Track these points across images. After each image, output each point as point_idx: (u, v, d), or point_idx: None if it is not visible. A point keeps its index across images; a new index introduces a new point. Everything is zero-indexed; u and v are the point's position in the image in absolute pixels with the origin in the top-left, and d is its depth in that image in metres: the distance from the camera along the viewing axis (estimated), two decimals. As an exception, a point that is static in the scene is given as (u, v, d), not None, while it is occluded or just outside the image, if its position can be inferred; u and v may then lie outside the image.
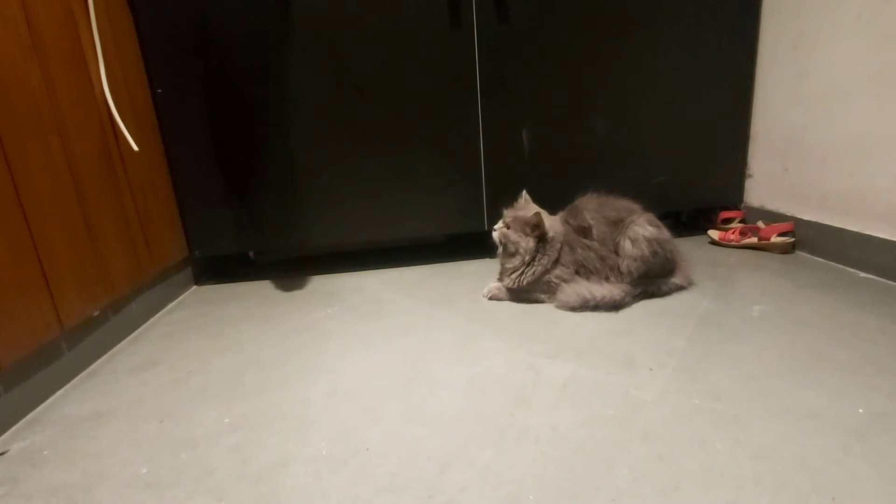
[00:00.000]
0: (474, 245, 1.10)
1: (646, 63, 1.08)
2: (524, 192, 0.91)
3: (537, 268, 0.83)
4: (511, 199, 0.91)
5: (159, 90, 0.93)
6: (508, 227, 0.86)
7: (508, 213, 0.88)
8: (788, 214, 1.07)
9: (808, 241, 1.01)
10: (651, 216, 0.86)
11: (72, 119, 0.71)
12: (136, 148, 0.80)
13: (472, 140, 1.06)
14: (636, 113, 1.10)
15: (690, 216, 1.28)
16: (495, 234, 0.88)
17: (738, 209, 1.20)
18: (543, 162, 1.09)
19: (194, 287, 1.05)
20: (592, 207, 0.87)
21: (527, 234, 0.83)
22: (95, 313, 0.72)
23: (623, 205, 0.87)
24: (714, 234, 1.15)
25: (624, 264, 0.81)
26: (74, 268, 0.68)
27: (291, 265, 1.16)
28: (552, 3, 1.00)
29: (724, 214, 1.20)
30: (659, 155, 1.13)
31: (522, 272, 0.84)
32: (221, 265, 1.15)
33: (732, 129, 1.16)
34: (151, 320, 0.88)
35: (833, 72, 0.93)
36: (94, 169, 0.75)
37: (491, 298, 0.88)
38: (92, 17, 0.76)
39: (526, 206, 0.88)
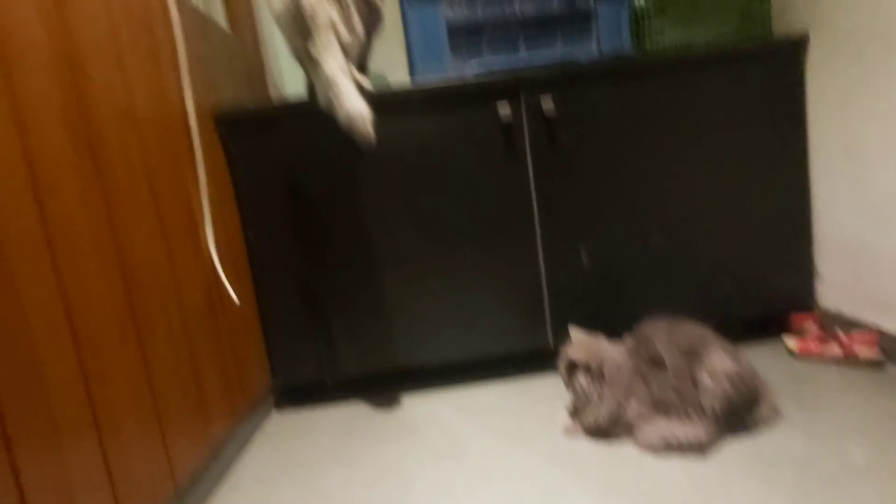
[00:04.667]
0: (541, 358, 1.11)
1: (697, 172, 1.11)
2: (572, 327, 0.92)
3: (602, 407, 0.82)
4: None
5: (251, 235, 1.04)
6: (564, 368, 0.87)
7: (563, 352, 0.89)
8: (869, 322, 1.02)
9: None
10: (726, 344, 0.85)
11: (186, 282, 0.80)
12: (237, 302, 0.89)
13: (531, 258, 1.10)
14: (693, 221, 1.12)
15: (762, 319, 1.25)
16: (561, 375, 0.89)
17: (811, 311, 1.17)
18: (603, 276, 1.11)
19: (274, 412, 1.11)
20: (662, 335, 0.87)
21: (574, 374, 0.84)
22: (202, 464, 0.78)
23: (694, 331, 0.87)
24: (791, 343, 1.10)
25: (705, 402, 0.79)
26: (185, 419, 0.75)
27: (364, 383, 1.21)
28: (600, 125, 1.07)
29: (798, 319, 1.16)
30: (721, 261, 1.13)
31: (588, 411, 0.83)
32: (299, 387, 1.21)
33: (794, 230, 1.15)
34: (242, 459, 0.92)
35: (893, 182, 0.93)
36: (202, 323, 0.83)
37: (568, 435, 0.87)
38: (202, 188, 0.88)
39: (573, 344, 0.89)
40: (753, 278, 1.15)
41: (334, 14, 0.89)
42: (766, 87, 1.09)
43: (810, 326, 1.13)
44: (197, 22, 0.97)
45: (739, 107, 1.09)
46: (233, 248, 0.99)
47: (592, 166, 1.09)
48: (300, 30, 0.87)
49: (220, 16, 1.18)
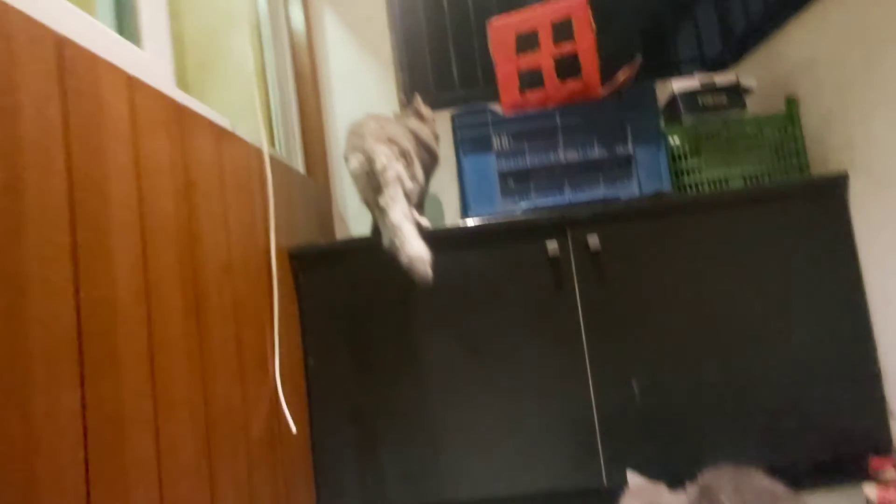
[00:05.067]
0: (594, 498, 1.06)
1: (748, 306, 1.11)
2: (630, 472, 0.89)
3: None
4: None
5: (311, 361, 1.10)
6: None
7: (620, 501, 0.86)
8: (964, 476, 0.93)
9: None
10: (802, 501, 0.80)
11: (254, 415, 0.85)
12: (294, 431, 0.93)
13: (582, 390, 1.10)
14: (750, 357, 1.10)
15: (836, 462, 1.16)
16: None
17: (889, 454, 1.07)
18: (657, 411, 1.08)
19: (318, 543, 1.08)
20: (728, 488, 0.83)
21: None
22: None
23: (764, 485, 0.82)
24: (871, 491, 1.01)
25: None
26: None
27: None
28: (645, 260, 1.11)
29: (877, 462, 1.07)
30: (785, 398, 1.09)
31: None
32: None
33: (859, 365, 1.10)
34: None
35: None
36: (262, 452, 0.87)
37: None
38: (276, 322, 0.96)
39: (631, 491, 0.86)
40: (822, 417, 1.09)
41: (401, 169, 1.02)
42: (811, 221, 1.12)
43: (891, 472, 1.03)
44: (284, 174, 1.13)
45: (785, 241, 1.12)
46: (294, 374, 1.05)
47: (641, 299, 1.12)
48: (372, 184, 1.00)
49: (298, 159, 1.36)
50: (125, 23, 0.73)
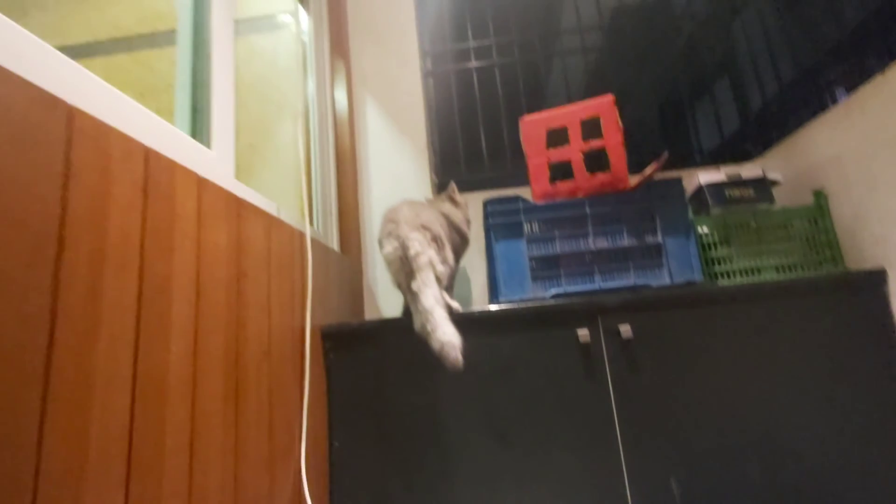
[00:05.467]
0: None
1: (789, 397, 1.06)
2: None
3: None
4: None
5: (336, 443, 1.08)
6: None
7: None
8: None
9: None
10: None
11: (279, 501, 0.83)
12: (317, 523, 0.89)
13: (618, 489, 1.04)
14: (795, 455, 1.03)
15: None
16: None
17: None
18: (699, 517, 1.01)
19: None
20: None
21: None
22: None
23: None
24: None
25: None
26: None
27: None
28: (679, 350, 1.09)
29: None
30: (829, 500, 1.01)
31: None
32: None
33: (920, 476, 1.02)
34: None
35: None
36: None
37: None
38: (305, 405, 0.96)
39: None
40: (882, 534, 1.00)
41: (433, 255, 1.05)
42: (851, 316, 1.09)
43: None
44: (321, 253, 1.17)
45: (824, 335, 1.09)
46: (318, 456, 1.03)
47: (677, 391, 1.08)
48: (405, 269, 1.03)
49: (334, 236, 1.42)
50: (198, 125, 0.81)
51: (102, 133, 0.51)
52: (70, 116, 0.47)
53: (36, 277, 0.42)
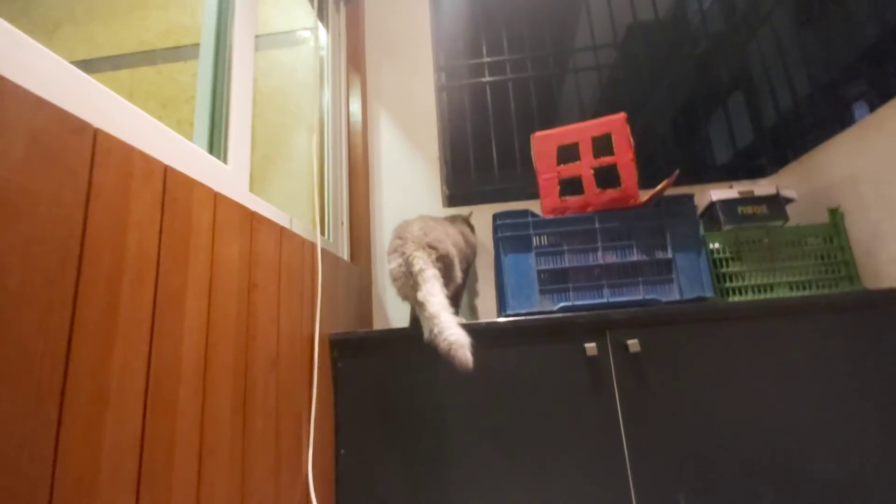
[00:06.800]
0: None
1: (801, 416, 1.04)
2: None
3: None
4: None
5: (342, 451, 1.09)
6: None
7: None
8: None
9: None
10: None
11: (282, 514, 0.84)
12: (321, 532, 0.90)
13: (624, 502, 1.03)
14: (802, 473, 1.01)
15: None
16: None
17: None
18: (707, 539, 1.00)
19: None
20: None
21: None
22: None
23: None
24: None
25: None
26: None
27: None
28: (688, 366, 1.08)
29: None
30: (850, 538, 0.98)
31: None
32: None
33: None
34: None
35: None
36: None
37: None
38: (313, 414, 0.97)
39: None
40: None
41: (436, 272, 1.06)
42: (867, 335, 1.07)
43: None
44: (331, 263, 1.19)
45: (838, 354, 1.07)
46: (324, 464, 1.04)
47: (685, 407, 1.07)
48: (409, 283, 1.04)
49: (345, 245, 1.44)
50: (216, 139, 0.83)
51: (124, 152, 0.54)
52: (95, 138, 0.50)
53: (58, 293, 0.44)
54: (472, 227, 1.32)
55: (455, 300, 1.16)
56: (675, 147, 1.81)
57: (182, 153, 0.68)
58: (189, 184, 0.64)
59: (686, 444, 1.05)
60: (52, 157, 0.45)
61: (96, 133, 0.50)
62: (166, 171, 0.60)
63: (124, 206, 0.53)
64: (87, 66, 1.57)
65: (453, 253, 1.11)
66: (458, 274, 1.13)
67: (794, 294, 1.19)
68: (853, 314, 1.08)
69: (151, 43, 1.56)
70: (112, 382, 0.49)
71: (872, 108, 1.14)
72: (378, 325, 1.57)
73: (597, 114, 1.26)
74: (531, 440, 1.08)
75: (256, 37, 1.01)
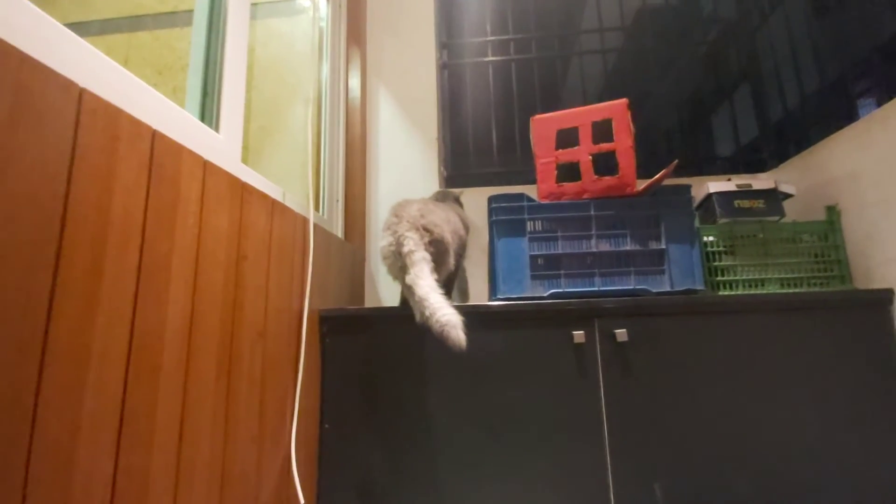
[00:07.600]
0: None
1: (784, 412, 1.06)
2: None
3: None
4: None
5: (327, 426, 1.11)
6: None
7: None
8: None
9: None
10: None
11: (265, 483, 0.86)
12: (302, 501, 0.92)
13: (602, 490, 1.05)
14: (782, 469, 1.03)
15: None
16: None
17: None
18: (681, 524, 1.02)
19: None
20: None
21: None
22: None
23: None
24: None
25: None
26: None
27: None
28: (673, 357, 1.09)
29: None
30: (820, 529, 1.01)
31: None
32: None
33: (909, 501, 1.02)
34: None
35: None
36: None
37: None
38: (298, 388, 0.98)
39: None
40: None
41: (427, 255, 1.05)
42: (855, 335, 1.08)
43: None
44: (324, 239, 1.19)
45: (825, 352, 1.08)
46: (308, 438, 1.05)
47: (668, 399, 1.08)
48: (398, 264, 1.04)
49: (339, 222, 1.44)
50: (208, 107, 0.82)
51: (111, 114, 0.53)
52: (80, 98, 0.49)
53: (40, 252, 0.44)
54: (461, 206, 1.31)
55: (447, 286, 1.16)
56: (678, 138, 1.79)
57: (172, 119, 0.67)
58: (178, 150, 0.63)
59: (666, 435, 1.07)
60: (37, 115, 0.44)
61: (82, 93, 0.49)
62: (154, 135, 0.59)
63: (110, 168, 0.52)
64: (82, 28, 1.53)
65: (448, 240, 1.10)
66: (451, 261, 1.12)
67: (784, 291, 1.20)
68: (840, 313, 1.09)
69: (148, 7, 1.53)
70: (94, 344, 0.49)
71: (880, 104, 1.12)
72: (370, 304, 1.58)
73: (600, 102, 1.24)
74: (513, 422, 1.09)
75: (254, 4, 0.99)
